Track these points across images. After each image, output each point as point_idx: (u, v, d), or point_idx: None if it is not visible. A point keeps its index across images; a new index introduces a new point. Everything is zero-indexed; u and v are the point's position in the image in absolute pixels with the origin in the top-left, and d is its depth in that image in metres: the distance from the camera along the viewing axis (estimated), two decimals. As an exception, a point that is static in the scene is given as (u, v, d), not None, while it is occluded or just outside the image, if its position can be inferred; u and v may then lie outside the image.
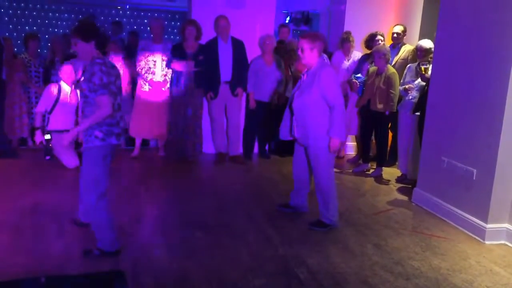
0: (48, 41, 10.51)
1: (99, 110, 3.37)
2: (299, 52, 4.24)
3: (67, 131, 5.52)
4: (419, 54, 5.77)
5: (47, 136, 5.78)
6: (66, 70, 5.82)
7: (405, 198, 5.43)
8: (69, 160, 5.77)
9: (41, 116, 5.78)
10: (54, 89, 5.79)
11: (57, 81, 5.92)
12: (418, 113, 5.56)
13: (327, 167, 4.29)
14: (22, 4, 12.42)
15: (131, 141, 6.75)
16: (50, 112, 5.77)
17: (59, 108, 5.78)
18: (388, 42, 6.68)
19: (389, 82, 5.87)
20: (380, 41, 6.43)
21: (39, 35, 7.20)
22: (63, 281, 3.20)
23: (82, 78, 3.48)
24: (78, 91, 5.83)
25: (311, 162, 4.35)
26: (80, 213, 4.05)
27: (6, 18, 12.31)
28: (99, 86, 3.35)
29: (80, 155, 5.27)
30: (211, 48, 6.28)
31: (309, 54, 4.18)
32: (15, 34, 11.94)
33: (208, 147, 6.81)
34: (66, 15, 12.72)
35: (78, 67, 6.34)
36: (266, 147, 7.03)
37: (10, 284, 3.05)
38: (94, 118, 3.38)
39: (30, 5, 12.46)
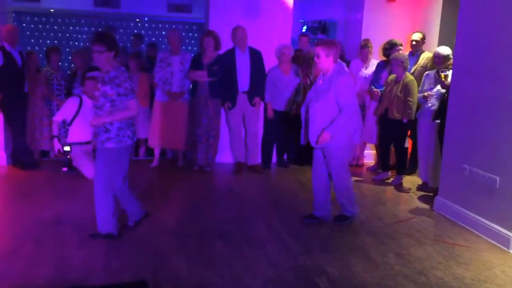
0: (69, 54, 10.73)
1: (128, 111, 3.88)
2: (315, 59, 4.43)
3: (87, 143, 5.71)
4: (437, 61, 5.72)
5: (67, 148, 5.89)
6: (90, 85, 5.94)
7: (426, 206, 5.35)
8: (90, 170, 5.85)
9: (58, 125, 5.88)
10: (75, 101, 5.90)
11: (79, 94, 6.04)
12: (438, 121, 5.50)
13: (344, 165, 4.53)
14: (43, 19, 12.70)
15: (150, 151, 6.81)
16: (70, 124, 5.88)
17: (79, 120, 5.89)
18: (406, 50, 6.64)
19: (406, 89, 5.83)
20: (399, 50, 6.40)
21: (60, 48, 7.34)
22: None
23: (108, 85, 3.84)
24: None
25: (328, 163, 4.52)
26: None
27: (28, 33, 12.59)
28: (130, 91, 3.87)
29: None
30: (228, 58, 6.32)
31: (325, 60, 4.35)
32: (36, 48, 12.20)
33: (227, 157, 6.83)
34: (86, 28, 12.95)
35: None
36: (285, 156, 7.02)
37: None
38: (122, 116, 3.86)
39: (51, 19, 12.72)
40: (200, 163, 6.42)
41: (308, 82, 6.76)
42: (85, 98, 5.96)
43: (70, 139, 5.92)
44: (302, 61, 6.78)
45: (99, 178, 3.94)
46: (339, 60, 4.57)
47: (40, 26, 12.80)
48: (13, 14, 11.26)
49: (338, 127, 4.29)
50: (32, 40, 12.62)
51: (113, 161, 3.93)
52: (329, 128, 4.29)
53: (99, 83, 3.92)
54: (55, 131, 5.87)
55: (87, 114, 5.86)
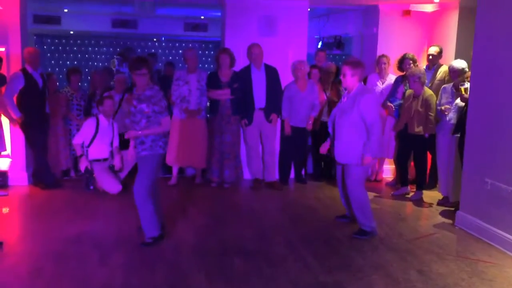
0: (89, 74, 10.93)
1: (161, 127, 4.29)
2: (341, 77, 4.65)
3: (105, 159, 5.98)
4: (452, 75, 5.70)
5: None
6: (109, 104, 6.10)
7: (447, 221, 5.27)
8: (112, 185, 5.98)
9: (80, 147, 6.09)
10: (92, 123, 6.09)
11: (96, 115, 6.17)
12: (458, 134, 5.44)
13: (361, 182, 4.67)
14: (64, 40, 12.99)
15: (168, 169, 6.86)
16: (89, 146, 6.05)
17: (97, 141, 6.09)
18: (423, 64, 6.61)
19: (427, 104, 5.79)
20: (410, 64, 6.38)
21: (80, 69, 7.50)
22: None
23: (144, 103, 4.23)
24: (113, 124, 6.24)
25: (346, 178, 4.69)
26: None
27: (49, 54, 12.88)
28: (164, 108, 4.30)
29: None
30: (244, 75, 6.37)
31: (350, 79, 4.58)
32: (57, 69, 12.47)
33: (245, 173, 6.84)
34: (105, 48, 13.21)
35: (116, 98, 6.64)
36: (303, 172, 7.00)
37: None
38: (156, 132, 4.28)
39: (71, 41, 13.01)
40: (229, 179, 6.47)
41: (325, 97, 6.76)
42: (101, 118, 6.12)
43: (90, 157, 6.11)
44: (319, 77, 6.80)
45: (139, 186, 4.28)
46: None
47: (60, 47, 13.10)
48: (35, 37, 11.54)
49: (374, 144, 4.48)
50: (53, 62, 12.91)
51: (149, 167, 4.31)
52: (366, 150, 4.48)
53: (134, 101, 4.31)
54: (79, 152, 6.13)
55: (104, 133, 6.07)
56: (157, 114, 4.27)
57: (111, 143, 6.23)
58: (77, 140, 6.10)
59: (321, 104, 6.69)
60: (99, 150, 6.13)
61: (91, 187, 6.09)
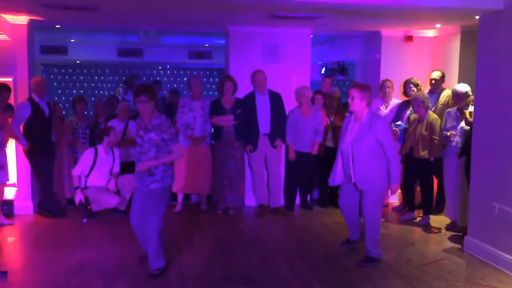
0: (94, 104, 11.05)
1: (172, 155, 4.22)
2: (349, 100, 4.55)
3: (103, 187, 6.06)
4: (456, 99, 5.70)
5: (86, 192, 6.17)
6: (115, 134, 6.27)
7: (456, 246, 5.20)
8: (109, 200, 6.12)
9: (78, 178, 6.18)
10: (91, 154, 6.20)
11: (95, 146, 6.28)
12: (464, 158, 5.41)
13: (379, 207, 4.67)
14: (70, 70, 13.18)
15: (173, 196, 6.84)
16: (88, 176, 6.15)
17: (95, 171, 6.19)
18: (426, 88, 6.63)
19: (431, 128, 5.79)
20: (412, 88, 6.40)
21: (85, 98, 7.59)
22: None
23: (152, 132, 4.16)
24: (114, 153, 6.32)
25: (366, 204, 4.58)
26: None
27: (55, 83, 13.05)
28: (173, 136, 4.23)
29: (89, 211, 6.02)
30: (249, 101, 6.41)
31: (359, 103, 4.50)
32: (63, 98, 12.62)
33: (250, 200, 6.81)
34: (111, 77, 13.38)
35: (120, 126, 6.72)
36: (308, 198, 6.96)
37: None
38: (168, 160, 4.21)
39: (78, 70, 13.20)
40: (230, 205, 6.44)
41: (329, 122, 6.77)
42: (100, 149, 6.20)
43: (88, 184, 6.20)
44: (324, 102, 6.84)
45: (154, 221, 4.21)
46: None
47: (67, 77, 13.29)
48: (42, 67, 11.73)
49: (397, 171, 4.52)
50: (59, 91, 13.07)
51: (162, 200, 4.26)
52: (393, 179, 4.48)
53: (141, 131, 4.23)
54: (75, 183, 6.20)
55: (103, 164, 6.18)
56: (167, 142, 4.19)
57: (110, 171, 6.31)
58: (75, 172, 6.20)
59: (325, 129, 6.69)
60: (97, 179, 6.22)
61: (85, 220, 6.09)
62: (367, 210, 4.59)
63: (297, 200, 6.91)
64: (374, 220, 4.61)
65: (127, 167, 6.34)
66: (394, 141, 4.69)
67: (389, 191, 4.61)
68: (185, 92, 10.42)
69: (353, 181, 4.61)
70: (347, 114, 6.64)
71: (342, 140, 4.68)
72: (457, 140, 5.65)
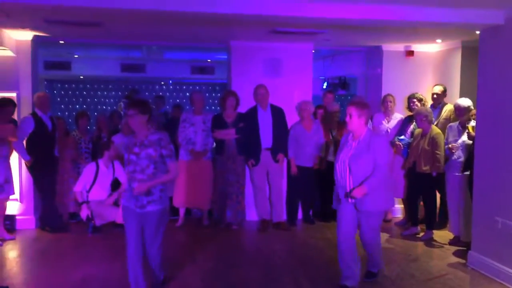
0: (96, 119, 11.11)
1: (170, 174, 3.99)
2: (347, 118, 4.32)
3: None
4: (458, 113, 5.71)
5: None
6: (116, 148, 6.30)
7: (460, 261, 5.16)
8: (112, 212, 6.15)
9: (80, 194, 6.22)
10: (92, 169, 6.24)
11: (97, 161, 6.32)
12: (467, 172, 5.40)
13: (378, 226, 4.52)
14: (73, 85, 13.26)
15: (174, 211, 6.83)
16: (89, 191, 6.20)
17: (96, 186, 6.23)
18: (428, 103, 6.65)
19: (434, 143, 5.79)
20: (416, 103, 6.42)
21: (88, 113, 7.63)
22: None
23: (150, 148, 3.93)
24: (114, 166, 6.31)
25: (365, 224, 4.37)
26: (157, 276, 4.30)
27: (59, 99, 13.13)
28: (173, 153, 4.00)
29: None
30: (251, 116, 6.43)
31: (357, 121, 4.26)
32: (66, 113, 12.68)
33: (251, 214, 6.79)
34: (113, 92, 13.45)
35: (124, 140, 6.73)
36: (310, 212, 6.94)
37: None
38: (166, 179, 3.99)
39: (81, 85, 13.28)
40: (230, 220, 6.42)
41: (331, 137, 6.78)
42: (101, 164, 6.24)
43: (89, 198, 6.23)
44: (325, 117, 6.85)
45: (157, 247, 4.06)
46: None
47: (70, 92, 13.36)
48: (45, 82, 11.81)
49: (374, 184, 4.19)
50: (63, 106, 13.14)
51: (162, 222, 4.03)
52: (364, 185, 4.17)
53: (135, 148, 3.95)
54: (79, 199, 6.23)
55: (104, 178, 6.24)
56: (165, 158, 3.93)
57: (111, 184, 6.35)
58: (77, 188, 6.23)
59: (326, 144, 6.69)
60: (98, 193, 6.25)
61: (90, 235, 6.10)
62: (369, 231, 4.39)
63: (299, 215, 6.89)
64: (375, 240, 4.50)
65: None
66: (390, 160, 4.47)
67: (354, 192, 4.22)
68: (187, 107, 10.48)
69: (349, 200, 4.32)
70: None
71: (337, 159, 4.41)
72: (458, 154, 5.65)
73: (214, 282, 4.53)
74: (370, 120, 6.64)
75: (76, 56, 10.46)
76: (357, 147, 4.29)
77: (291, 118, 6.70)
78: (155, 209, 3.93)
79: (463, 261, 5.12)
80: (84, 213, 6.16)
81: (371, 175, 4.18)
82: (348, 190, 4.29)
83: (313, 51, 7.25)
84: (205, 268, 4.95)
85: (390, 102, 6.71)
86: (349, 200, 4.27)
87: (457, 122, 5.79)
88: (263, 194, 6.59)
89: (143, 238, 3.99)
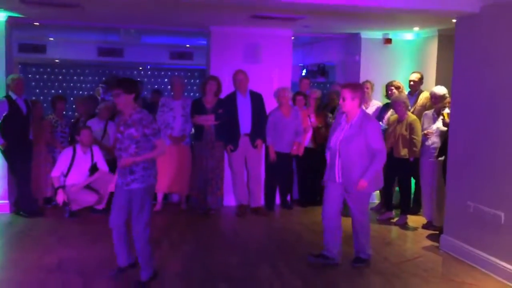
0: (73, 103, 10.92)
1: (156, 150, 3.99)
2: (340, 101, 4.43)
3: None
4: (434, 100, 5.82)
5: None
6: (85, 134, 6.19)
7: (432, 245, 5.30)
8: (87, 198, 6.11)
9: (57, 179, 6.14)
10: (68, 153, 6.17)
11: (74, 144, 6.26)
12: (441, 158, 5.52)
13: (367, 208, 4.63)
14: (49, 69, 13.01)
15: (153, 195, 6.79)
16: (66, 175, 6.14)
17: (73, 170, 6.16)
18: (406, 90, 6.75)
19: (411, 128, 5.88)
20: (394, 91, 6.51)
21: (65, 97, 7.50)
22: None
23: (132, 128, 3.93)
24: (93, 151, 6.27)
25: (351, 205, 4.51)
26: (121, 261, 4.27)
27: (33, 83, 12.87)
28: (156, 131, 3.99)
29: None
30: (230, 101, 6.43)
31: (350, 103, 4.36)
32: (41, 97, 12.44)
33: (230, 200, 6.83)
34: (90, 77, 13.24)
35: (99, 125, 6.68)
36: (288, 198, 7.00)
37: None
38: (151, 155, 3.98)
39: (56, 70, 13.03)
40: (211, 206, 6.44)
41: (309, 123, 6.83)
42: (78, 149, 6.18)
43: (66, 182, 6.15)
44: (304, 103, 6.89)
45: (139, 226, 3.97)
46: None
47: (45, 76, 13.11)
48: (19, 66, 11.54)
49: (373, 174, 4.36)
50: (38, 90, 12.89)
51: (145, 202, 3.99)
52: (366, 176, 4.32)
53: (121, 126, 4.02)
54: (56, 184, 6.15)
55: (81, 163, 6.17)
56: (149, 137, 3.93)
57: (89, 169, 6.25)
58: (55, 173, 6.15)
59: (306, 130, 6.74)
60: (75, 178, 6.17)
61: (67, 215, 6.06)
62: (358, 212, 4.53)
63: (277, 200, 6.95)
64: (365, 220, 4.57)
65: (110, 165, 6.31)
66: (384, 144, 4.50)
67: (358, 184, 4.35)
68: (166, 93, 10.41)
69: (337, 181, 4.47)
70: (330, 116, 6.77)
71: (330, 139, 4.54)
72: (433, 140, 5.77)
73: (193, 265, 4.55)
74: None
75: (51, 39, 10.23)
76: (349, 130, 4.41)
77: (270, 104, 6.72)
78: (136, 187, 3.96)
79: (436, 244, 5.26)
80: (60, 198, 6.09)
81: (371, 163, 4.33)
82: (336, 173, 4.44)
83: (293, 38, 7.27)
84: (184, 252, 4.97)
85: (367, 88, 6.79)
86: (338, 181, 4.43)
87: (432, 110, 5.91)
88: (241, 179, 6.61)
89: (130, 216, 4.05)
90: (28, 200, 6.23)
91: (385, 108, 6.62)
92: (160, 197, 6.61)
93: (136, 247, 4.00)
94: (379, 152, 4.35)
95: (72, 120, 7.30)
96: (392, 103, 6.17)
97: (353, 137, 4.36)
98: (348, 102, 4.36)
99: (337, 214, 4.59)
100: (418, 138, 5.87)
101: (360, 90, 4.46)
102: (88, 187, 6.24)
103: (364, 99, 4.55)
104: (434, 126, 5.78)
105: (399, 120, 6.02)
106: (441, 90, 5.80)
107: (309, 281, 4.21)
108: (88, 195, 6.12)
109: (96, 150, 6.31)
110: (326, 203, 4.58)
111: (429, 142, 5.81)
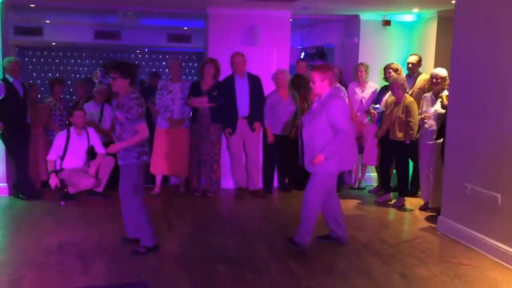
0: (71, 86, 10.87)
1: (139, 135, 4.19)
2: (311, 84, 4.42)
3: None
4: (435, 82, 5.79)
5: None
6: (78, 115, 6.12)
7: (430, 226, 5.33)
8: (84, 181, 6.09)
9: (53, 163, 6.11)
10: (63, 136, 6.14)
11: (68, 127, 6.24)
12: (440, 141, 5.52)
13: (321, 191, 4.39)
14: (46, 52, 12.91)
15: (151, 178, 6.82)
16: (62, 158, 6.11)
17: (69, 153, 6.13)
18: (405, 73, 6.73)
19: (407, 110, 5.88)
20: (392, 73, 6.48)
21: (64, 80, 7.46)
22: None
23: (118, 110, 4.24)
24: (89, 133, 6.24)
25: (309, 186, 4.41)
26: (127, 231, 4.56)
27: (30, 66, 12.78)
28: (138, 116, 4.18)
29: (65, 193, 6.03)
30: (228, 84, 6.40)
31: (320, 85, 4.35)
32: (38, 81, 12.37)
33: (228, 182, 6.84)
34: (87, 60, 13.16)
35: (96, 108, 6.68)
36: (286, 181, 7.02)
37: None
38: (135, 140, 4.19)
39: (53, 53, 12.94)
40: (204, 188, 6.45)
41: (306, 106, 6.81)
42: (72, 132, 6.15)
43: (63, 166, 6.13)
44: (301, 86, 6.85)
45: (122, 195, 4.35)
46: (338, 85, 4.53)
47: (42, 59, 13.02)
48: (16, 49, 11.45)
49: (333, 150, 4.21)
50: (34, 74, 12.81)
51: (125, 176, 4.31)
52: (324, 151, 4.21)
53: (116, 109, 4.30)
54: (50, 168, 6.12)
55: (76, 145, 6.13)
56: (131, 121, 4.19)
57: (87, 152, 6.21)
58: (50, 156, 6.13)
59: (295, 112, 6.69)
60: (72, 161, 6.16)
61: (62, 203, 6.04)
62: (307, 193, 4.38)
63: (275, 183, 6.97)
64: (311, 201, 4.37)
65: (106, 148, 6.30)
66: (348, 121, 4.31)
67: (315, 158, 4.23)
68: (164, 77, 10.36)
69: (300, 164, 4.44)
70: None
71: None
72: (431, 123, 5.77)
73: (191, 247, 4.58)
74: (345, 90, 6.73)
75: (47, 21, 10.13)
76: (313, 110, 4.41)
77: (268, 87, 6.69)
78: (121, 164, 4.31)
79: (433, 226, 5.29)
80: (53, 182, 6.04)
81: (331, 140, 4.20)
82: (299, 154, 4.45)
83: (291, 20, 7.21)
84: (182, 234, 4.99)
85: (361, 71, 6.77)
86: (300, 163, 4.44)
87: (431, 92, 5.89)
88: (239, 162, 6.62)
89: None
90: (26, 183, 6.24)
91: (383, 90, 6.60)
92: (158, 180, 6.62)
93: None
94: (339, 131, 4.20)
95: (72, 104, 7.27)
96: (390, 85, 6.15)
97: (315, 116, 4.31)
98: (318, 85, 4.34)
99: (332, 199, 4.57)
100: (414, 120, 5.86)
101: (329, 71, 4.40)
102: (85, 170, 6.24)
103: (334, 80, 4.49)
104: (432, 109, 5.77)
105: (396, 102, 6.01)
106: (443, 71, 5.76)
107: (306, 261, 4.24)
108: (86, 179, 6.12)
109: (91, 132, 6.28)
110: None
111: (427, 125, 5.80)
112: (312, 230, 4.46)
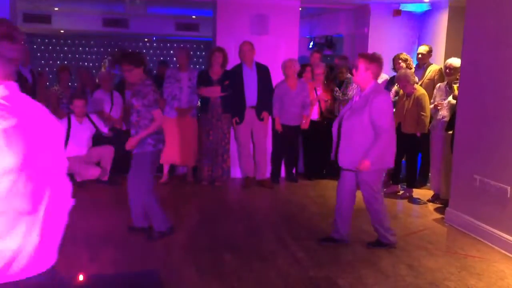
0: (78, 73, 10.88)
1: (154, 122, 4.24)
2: (354, 70, 4.18)
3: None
4: (448, 72, 5.71)
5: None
6: (78, 104, 6.14)
7: (438, 218, 5.30)
8: (89, 171, 6.13)
9: None
10: (63, 124, 6.09)
11: (68, 114, 6.23)
12: (451, 132, 5.47)
13: (378, 190, 4.24)
14: (54, 40, 12.92)
15: (159, 167, 6.82)
16: (65, 146, 6.03)
17: (72, 140, 6.11)
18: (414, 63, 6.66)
19: (419, 103, 5.81)
20: (401, 64, 6.39)
21: (70, 68, 7.47)
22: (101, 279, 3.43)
23: (134, 98, 4.28)
24: (92, 120, 6.25)
25: (361, 188, 4.23)
26: (134, 219, 4.54)
27: (39, 54, 12.81)
28: (153, 102, 4.23)
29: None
30: (236, 73, 6.37)
31: (363, 74, 4.06)
32: (47, 69, 12.41)
33: (235, 172, 6.84)
34: (95, 48, 13.17)
35: (106, 96, 6.66)
36: (293, 171, 7.01)
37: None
38: (152, 129, 4.24)
39: (62, 40, 12.95)
40: (217, 178, 6.46)
41: (315, 96, 6.78)
42: (73, 119, 6.16)
43: (66, 154, 6.05)
44: (312, 76, 6.82)
45: (131, 183, 4.38)
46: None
47: (50, 47, 13.04)
48: (24, 36, 11.47)
49: (377, 153, 3.99)
50: (43, 61, 12.85)
51: (138, 166, 4.33)
52: (369, 156, 3.98)
53: (131, 97, 4.33)
54: None
55: (78, 132, 6.12)
56: (147, 107, 4.21)
57: (92, 138, 6.23)
58: None
59: (312, 103, 6.69)
60: (75, 149, 6.12)
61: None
62: (364, 193, 4.24)
63: (283, 173, 6.96)
64: (376, 202, 4.22)
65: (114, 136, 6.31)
66: (390, 121, 4.07)
67: (360, 164, 4.03)
68: (171, 65, 10.34)
69: (332, 158, 4.24)
70: (338, 88, 6.71)
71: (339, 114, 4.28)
72: (443, 113, 5.71)
73: (198, 236, 4.60)
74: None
75: (56, 9, 10.13)
76: (356, 103, 4.12)
77: (277, 77, 6.65)
78: (135, 152, 4.33)
79: (442, 217, 5.26)
80: None
81: (374, 143, 3.97)
82: (333, 150, 4.24)
83: (300, 8, 7.15)
84: (189, 223, 5.00)
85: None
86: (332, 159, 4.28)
87: (445, 83, 5.83)
88: (247, 152, 6.61)
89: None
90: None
91: (391, 81, 6.54)
92: (166, 169, 6.62)
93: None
94: (381, 130, 3.95)
95: (76, 91, 7.27)
96: (396, 82, 6.08)
97: (358, 110, 4.02)
98: (360, 72, 4.04)
99: (349, 194, 4.32)
100: (425, 113, 5.79)
101: (376, 62, 4.08)
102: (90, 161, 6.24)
103: (378, 73, 4.17)
104: (446, 100, 5.70)
105: (407, 95, 5.95)
106: (457, 61, 5.67)
107: (313, 251, 4.24)
108: (91, 169, 6.13)
109: (95, 119, 6.28)
110: (340, 183, 4.34)
111: (439, 116, 5.75)
112: (389, 224, 4.37)
